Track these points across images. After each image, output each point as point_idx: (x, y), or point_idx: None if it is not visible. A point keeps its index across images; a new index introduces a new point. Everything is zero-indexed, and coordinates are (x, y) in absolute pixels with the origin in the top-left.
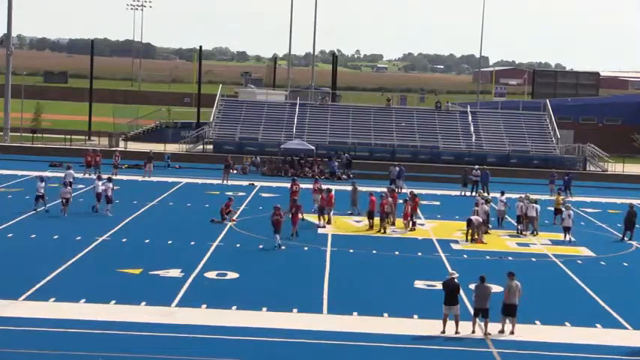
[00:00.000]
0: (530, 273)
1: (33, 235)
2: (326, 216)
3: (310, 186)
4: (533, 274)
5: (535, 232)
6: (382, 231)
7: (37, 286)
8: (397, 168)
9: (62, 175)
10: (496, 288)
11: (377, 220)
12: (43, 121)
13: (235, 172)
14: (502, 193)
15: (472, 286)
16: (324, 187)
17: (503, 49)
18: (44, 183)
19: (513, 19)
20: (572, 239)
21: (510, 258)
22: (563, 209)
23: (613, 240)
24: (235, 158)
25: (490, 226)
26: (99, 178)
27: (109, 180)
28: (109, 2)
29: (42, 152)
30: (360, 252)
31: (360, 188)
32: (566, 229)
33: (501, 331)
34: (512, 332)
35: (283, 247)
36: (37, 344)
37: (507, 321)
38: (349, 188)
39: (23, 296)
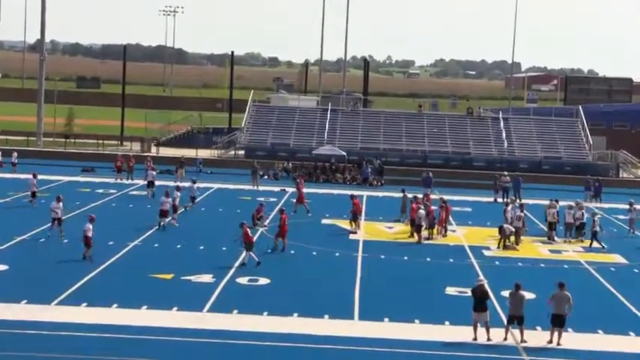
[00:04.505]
0: (562, 280)
1: (65, 240)
2: (357, 222)
3: (340, 192)
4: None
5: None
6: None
7: (70, 291)
8: (424, 174)
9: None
10: (529, 295)
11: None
12: (76, 126)
13: (267, 177)
14: (556, 201)
15: (505, 293)
16: (355, 192)
17: (536, 55)
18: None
19: (546, 25)
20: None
21: (542, 265)
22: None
23: None
24: (267, 164)
25: (526, 229)
26: (178, 189)
27: (177, 189)
28: (141, 8)
29: (74, 157)
30: (391, 258)
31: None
32: (594, 234)
33: (549, 342)
34: (558, 343)
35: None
36: (69, 349)
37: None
38: (381, 195)
39: (56, 301)
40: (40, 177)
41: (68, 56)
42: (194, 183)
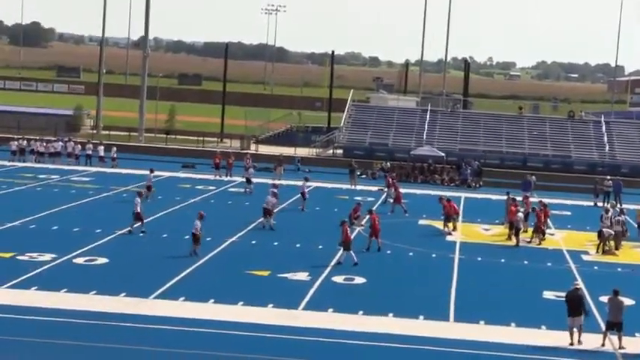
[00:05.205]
0: None
1: (164, 235)
2: (452, 223)
3: (438, 193)
4: None
5: None
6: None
7: (167, 285)
8: (526, 177)
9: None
10: (628, 301)
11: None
12: (177, 122)
13: (365, 176)
14: None
15: (604, 299)
16: (451, 194)
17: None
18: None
19: None
20: None
21: None
22: None
23: None
24: (364, 163)
25: (628, 234)
26: (275, 187)
27: (275, 187)
28: (243, 6)
29: (175, 153)
30: (488, 260)
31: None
32: None
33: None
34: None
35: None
36: (163, 342)
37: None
38: (479, 196)
39: (153, 295)
40: (141, 172)
41: (171, 53)
42: (307, 181)
